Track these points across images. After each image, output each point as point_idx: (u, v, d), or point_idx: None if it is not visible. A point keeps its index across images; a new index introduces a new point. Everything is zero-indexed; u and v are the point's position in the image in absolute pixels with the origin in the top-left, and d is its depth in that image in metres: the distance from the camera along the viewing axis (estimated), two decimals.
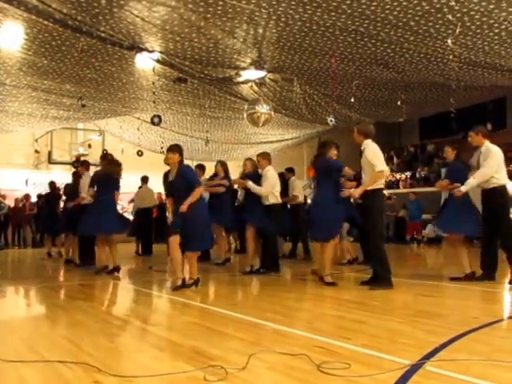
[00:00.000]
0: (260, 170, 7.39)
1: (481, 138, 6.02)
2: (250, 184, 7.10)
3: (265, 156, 7.37)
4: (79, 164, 9.34)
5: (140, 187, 11.99)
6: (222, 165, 8.71)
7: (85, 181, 8.69)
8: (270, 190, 7.09)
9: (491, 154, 5.88)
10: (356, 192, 5.57)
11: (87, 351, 3.05)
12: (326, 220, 5.85)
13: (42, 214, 10.03)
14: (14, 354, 2.95)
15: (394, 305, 4.88)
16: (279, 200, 7.32)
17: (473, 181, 5.85)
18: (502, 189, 5.90)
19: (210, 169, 10.00)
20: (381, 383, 2.41)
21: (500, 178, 5.89)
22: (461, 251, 6.21)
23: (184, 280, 5.65)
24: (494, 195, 5.89)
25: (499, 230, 5.89)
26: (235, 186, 8.78)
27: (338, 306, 4.73)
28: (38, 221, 14.20)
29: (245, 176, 7.39)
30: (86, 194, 8.61)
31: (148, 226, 11.86)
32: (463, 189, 5.88)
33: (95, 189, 7.49)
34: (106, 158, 7.88)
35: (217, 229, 8.22)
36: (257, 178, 7.25)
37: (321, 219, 5.89)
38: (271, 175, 7.19)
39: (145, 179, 11.85)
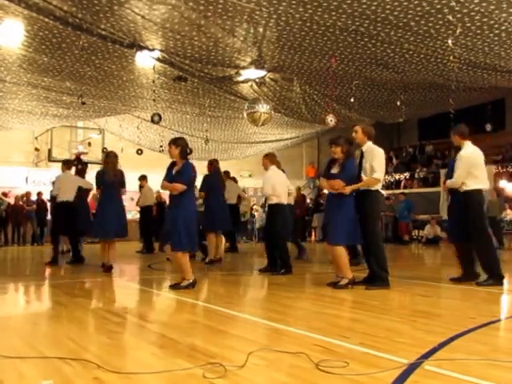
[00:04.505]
0: None
1: (458, 138, 5.91)
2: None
3: (267, 156, 7.37)
4: (78, 162, 9.33)
5: (142, 186, 11.92)
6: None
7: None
8: (269, 191, 7.07)
9: (463, 159, 5.80)
10: (347, 189, 5.40)
11: (87, 348, 3.06)
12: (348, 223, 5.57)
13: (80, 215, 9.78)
14: (14, 351, 2.96)
15: (393, 304, 4.89)
16: (282, 201, 7.23)
17: (451, 182, 5.93)
18: (476, 193, 5.75)
19: None
20: (379, 382, 2.41)
21: (474, 182, 5.77)
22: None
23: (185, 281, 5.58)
24: (468, 199, 5.79)
25: (473, 233, 5.77)
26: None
27: (337, 305, 4.74)
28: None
29: None
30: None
31: (149, 225, 11.85)
32: (449, 184, 6.02)
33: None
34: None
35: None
36: None
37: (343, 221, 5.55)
38: (268, 177, 7.19)
39: (145, 178, 11.81)
